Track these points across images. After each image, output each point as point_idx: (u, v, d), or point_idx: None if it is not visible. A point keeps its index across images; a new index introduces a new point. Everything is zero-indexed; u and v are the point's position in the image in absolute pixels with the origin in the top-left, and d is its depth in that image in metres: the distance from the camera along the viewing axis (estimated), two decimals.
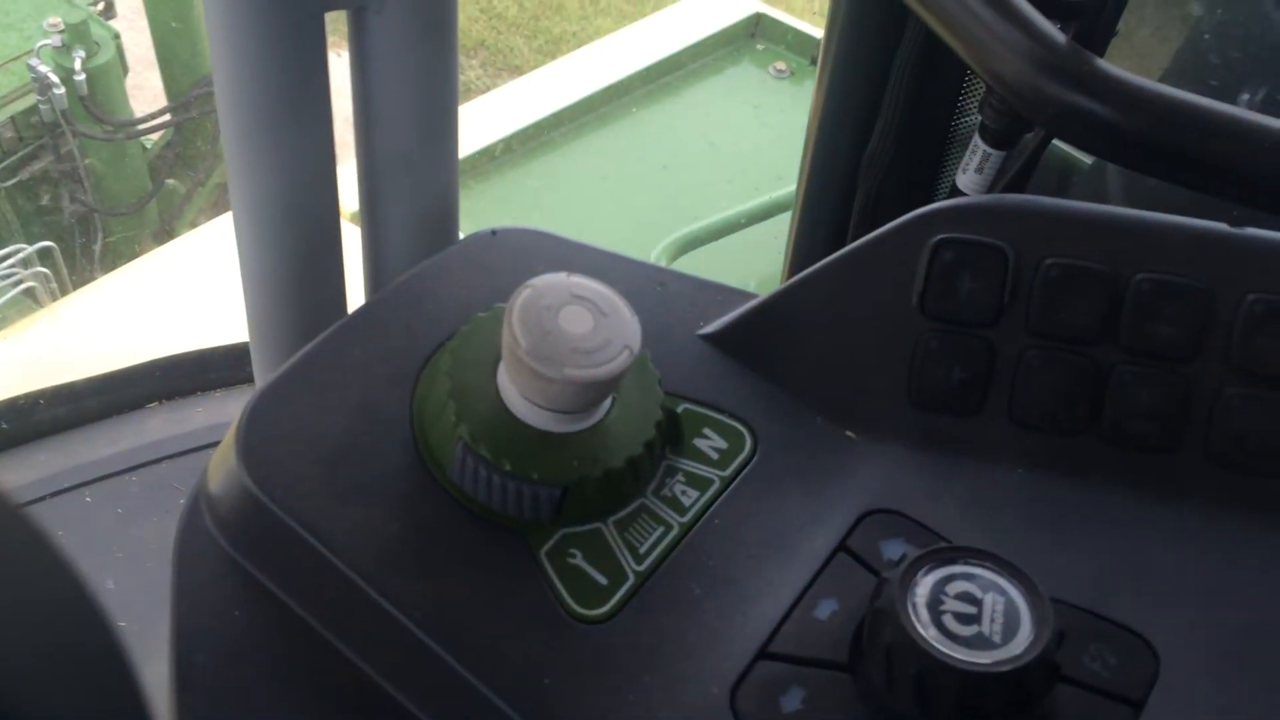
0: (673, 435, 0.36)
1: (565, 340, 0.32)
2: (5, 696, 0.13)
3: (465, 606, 0.32)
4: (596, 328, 0.32)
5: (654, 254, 1.73)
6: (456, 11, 0.46)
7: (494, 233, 0.40)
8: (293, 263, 0.50)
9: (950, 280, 0.37)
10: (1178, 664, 0.32)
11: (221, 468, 0.34)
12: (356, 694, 0.32)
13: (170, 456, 1.02)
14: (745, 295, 0.40)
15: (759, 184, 2.06)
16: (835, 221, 0.86)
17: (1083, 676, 0.31)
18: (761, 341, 0.39)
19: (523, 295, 0.33)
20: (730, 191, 2.04)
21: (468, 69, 4.61)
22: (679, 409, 0.37)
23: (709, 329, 0.39)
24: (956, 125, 0.82)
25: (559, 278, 0.33)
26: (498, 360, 0.34)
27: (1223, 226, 0.36)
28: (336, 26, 0.47)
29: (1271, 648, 0.33)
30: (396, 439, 0.34)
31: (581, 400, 0.33)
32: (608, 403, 0.35)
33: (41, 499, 0.97)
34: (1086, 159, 1.00)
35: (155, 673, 0.33)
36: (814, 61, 2.31)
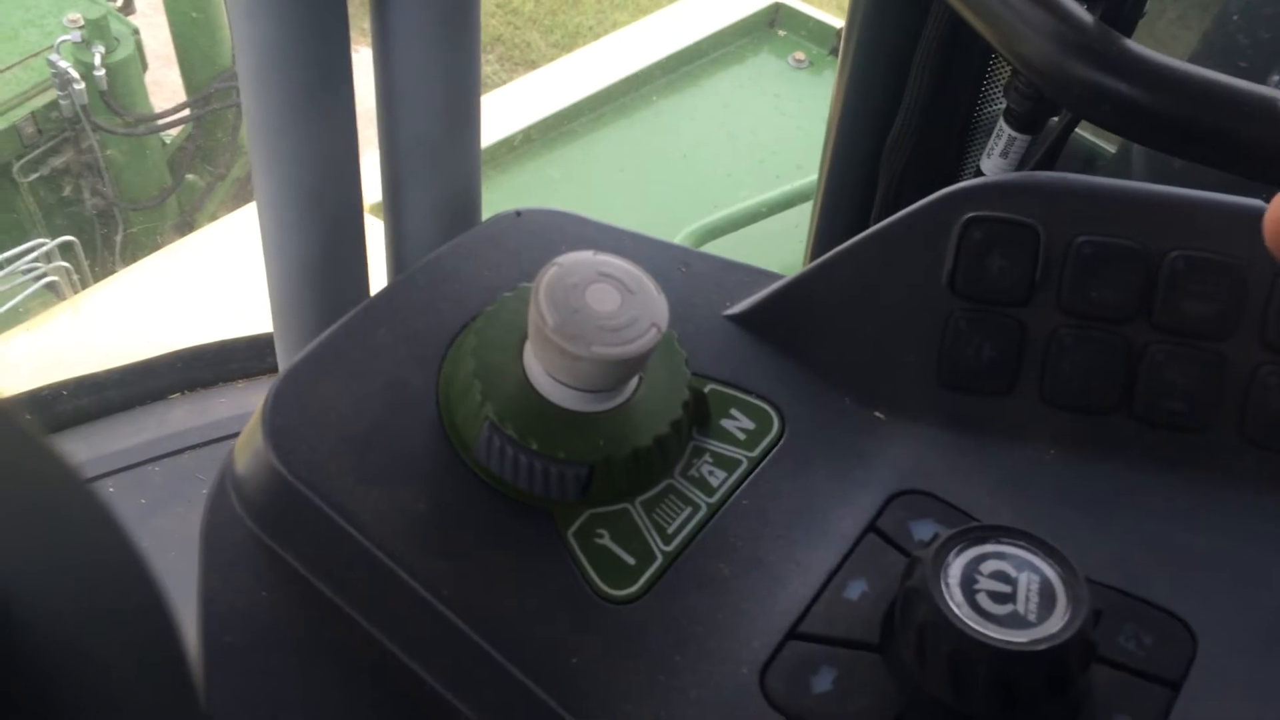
0: (700, 416, 0.36)
1: (592, 318, 0.32)
2: (44, 649, 0.13)
3: (493, 586, 0.32)
4: (624, 305, 0.32)
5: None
6: None
7: (518, 214, 0.40)
8: (316, 251, 0.50)
9: (980, 259, 0.37)
10: (1215, 645, 0.31)
11: (248, 449, 0.34)
12: (384, 674, 0.32)
13: (193, 447, 1.02)
14: (771, 276, 0.40)
15: (779, 174, 2.05)
16: (857, 210, 0.86)
17: (1119, 657, 0.31)
18: (788, 322, 0.38)
19: (549, 273, 0.32)
20: (750, 182, 2.03)
21: (485, 64, 4.61)
22: (706, 389, 0.37)
23: (735, 309, 0.39)
24: (980, 111, 0.81)
25: (585, 256, 0.33)
26: (523, 340, 0.34)
27: (1258, 202, 0.35)
28: (357, 23, 0.47)
29: None
30: (422, 419, 0.34)
31: (609, 378, 0.33)
32: (635, 382, 0.34)
33: None
34: (1111, 146, 0.99)
35: None
36: (834, 51, 2.30)
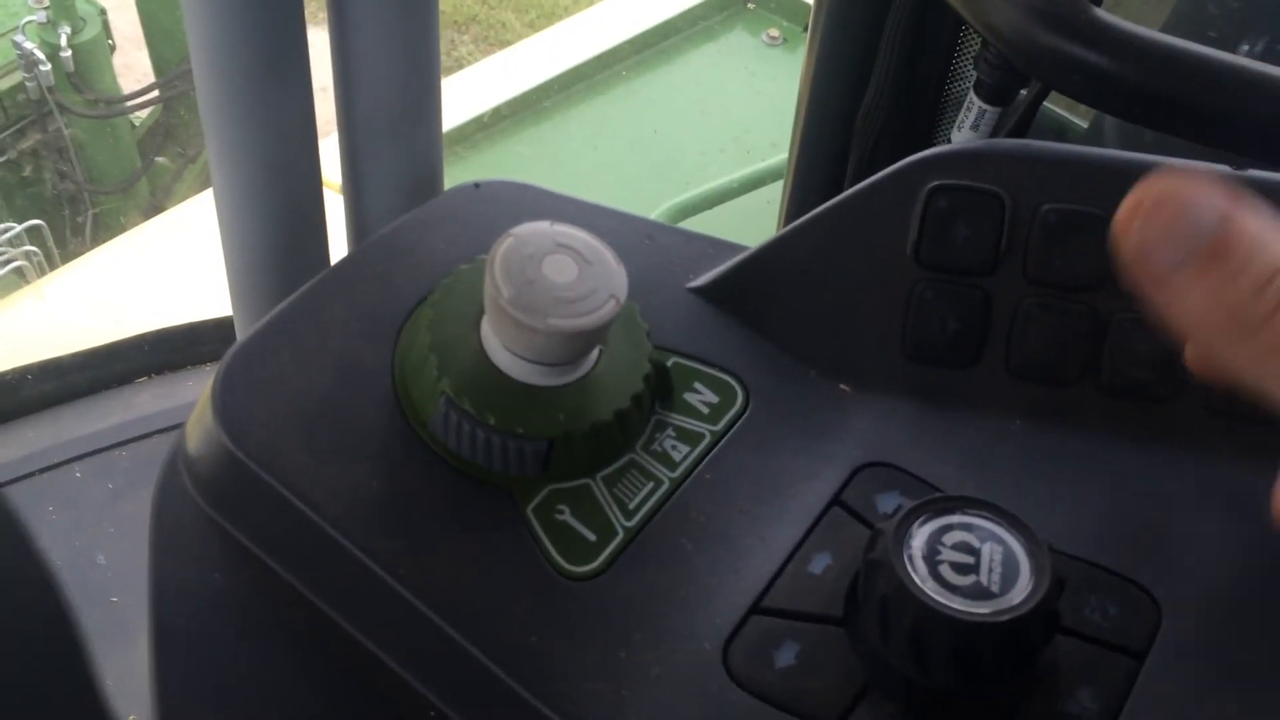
0: (662, 389, 0.35)
1: (549, 289, 0.31)
2: None
3: (450, 564, 0.31)
4: (581, 276, 0.32)
5: None
6: None
7: (477, 185, 0.39)
8: (274, 228, 0.49)
9: (945, 228, 0.36)
10: (1179, 614, 0.31)
11: (198, 426, 0.33)
12: (338, 654, 0.31)
13: (160, 431, 1.01)
14: (735, 248, 0.40)
15: (753, 151, 2.04)
16: (828, 185, 0.85)
17: (1083, 627, 0.30)
18: (752, 294, 0.38)
19: (505, 244, 0.32)
20: (724, 159, 2.02)
21: (459, 44, 4.57)
22: (668, 363, 0.36)
23: (698, 282, 0.38)
24: (951, 86, 0.81)
25: (542, 226, 0.32)
26: (481, 313, 0.33)
27: (1223, 168, 0.35)
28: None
29: (1274, 598, 0.32)
30: (377, 394, 0.34)
31: (567, 351, 0.32)
32: (595, 355, 0.34)
33: (31, 475, 0.96)
34: (1083, 121, 0.98)
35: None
36: (807, 28, 2.29)
